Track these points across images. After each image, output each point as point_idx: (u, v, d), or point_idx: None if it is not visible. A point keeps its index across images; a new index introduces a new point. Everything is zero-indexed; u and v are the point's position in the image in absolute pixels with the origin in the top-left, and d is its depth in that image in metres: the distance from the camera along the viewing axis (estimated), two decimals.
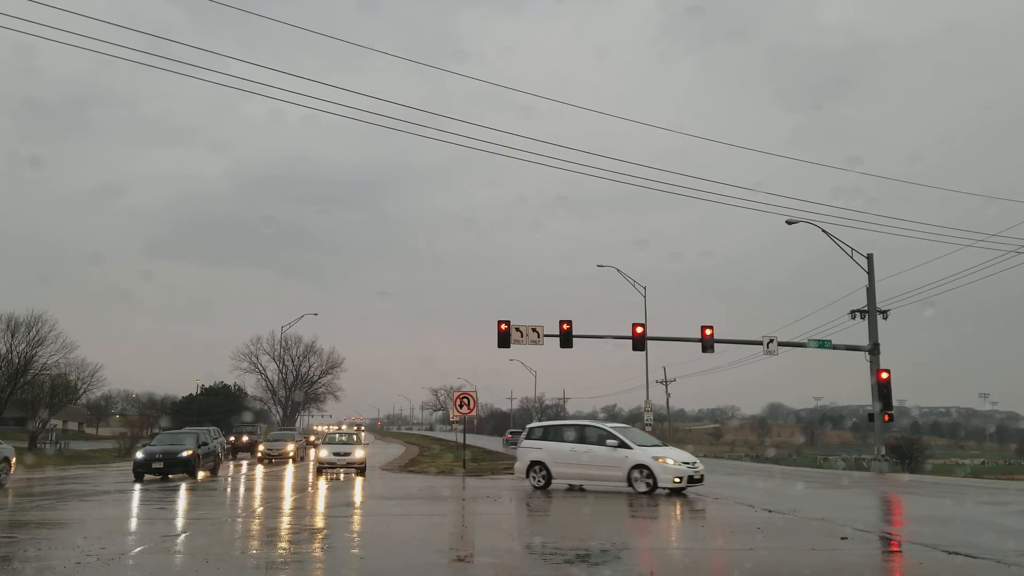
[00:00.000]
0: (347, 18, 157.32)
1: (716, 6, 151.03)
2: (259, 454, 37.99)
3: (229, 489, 23.47)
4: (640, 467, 18.26)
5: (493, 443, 66.11)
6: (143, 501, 18.24)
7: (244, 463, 38.74)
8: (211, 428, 37.53)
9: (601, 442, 19.10)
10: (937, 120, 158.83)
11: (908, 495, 20.67)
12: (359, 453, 27.87)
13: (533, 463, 20.03)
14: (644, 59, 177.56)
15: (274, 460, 37.19)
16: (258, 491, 22.41)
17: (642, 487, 18.08)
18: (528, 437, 20.91)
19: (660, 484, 17.97)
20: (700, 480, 18.35)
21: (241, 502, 19.28)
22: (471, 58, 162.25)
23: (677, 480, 17.98)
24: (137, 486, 22.24)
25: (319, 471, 27.38)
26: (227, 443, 43.36)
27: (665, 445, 20.86)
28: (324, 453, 27.85)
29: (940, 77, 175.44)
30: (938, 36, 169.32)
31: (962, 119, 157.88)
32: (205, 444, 26.85)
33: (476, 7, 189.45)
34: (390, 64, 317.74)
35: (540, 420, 24.30)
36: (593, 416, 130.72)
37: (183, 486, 22.16)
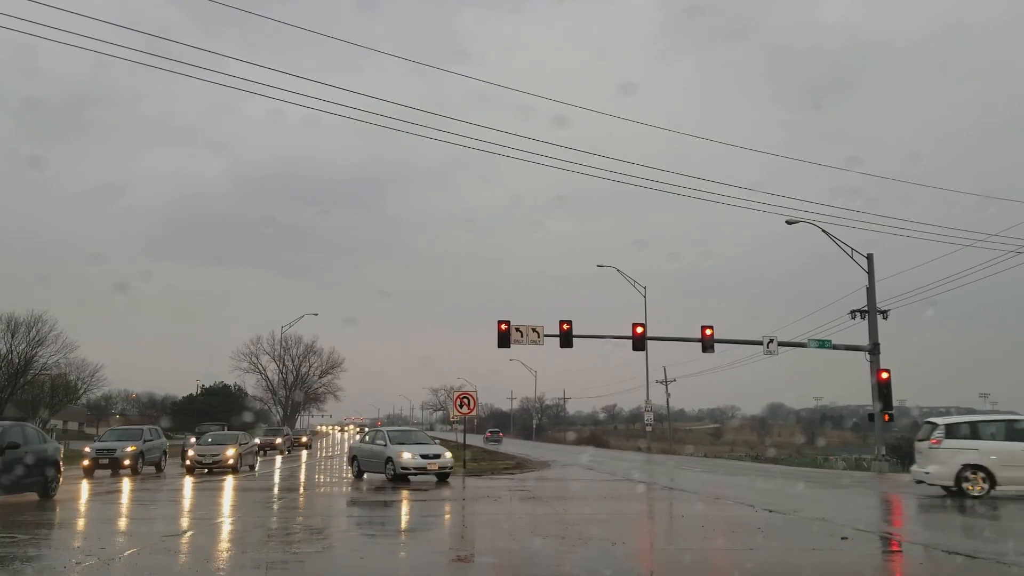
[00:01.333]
0: (346, 18, 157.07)
1: (716, 6, 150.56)
2: (188, 462, 29.61)
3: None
4: None
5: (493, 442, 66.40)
6: None
7: (158, 475, 28.70)
8: (149, 427, 31.96)
9: None
10: (937, 120, 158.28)
11: (908, 495, 20.61)
12: (448, 454, 23.14)
13: (967, 467, 16.82)
14: (644, 59, 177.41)
15: (210, 470, 28.89)
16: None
17: None
18: (949, 435, 17.46)
19: None
20: None
21: None
22: (471, 58, 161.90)
23: None
24: None
25: (402, 478, 22.29)
26: (183, 448, 36.11)
27: None
28: (407, 455, 22.41)
29: (940, 77, 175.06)
30: (938, 36, 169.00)
31: (962, 119, 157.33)
32: (15, 446, 16.21)
33: (476, 7, 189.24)
34: (390, 64, 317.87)
35: (937, 419, 19.28)
36: (593, 417, 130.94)
37: None
